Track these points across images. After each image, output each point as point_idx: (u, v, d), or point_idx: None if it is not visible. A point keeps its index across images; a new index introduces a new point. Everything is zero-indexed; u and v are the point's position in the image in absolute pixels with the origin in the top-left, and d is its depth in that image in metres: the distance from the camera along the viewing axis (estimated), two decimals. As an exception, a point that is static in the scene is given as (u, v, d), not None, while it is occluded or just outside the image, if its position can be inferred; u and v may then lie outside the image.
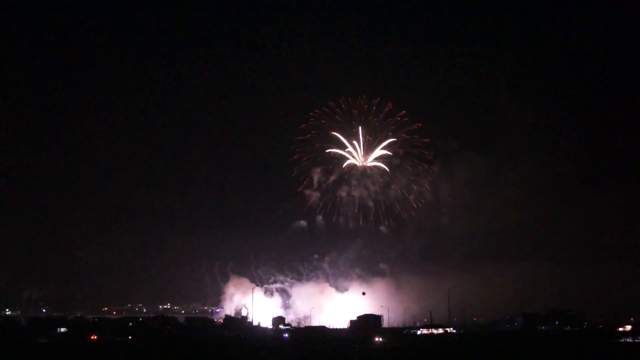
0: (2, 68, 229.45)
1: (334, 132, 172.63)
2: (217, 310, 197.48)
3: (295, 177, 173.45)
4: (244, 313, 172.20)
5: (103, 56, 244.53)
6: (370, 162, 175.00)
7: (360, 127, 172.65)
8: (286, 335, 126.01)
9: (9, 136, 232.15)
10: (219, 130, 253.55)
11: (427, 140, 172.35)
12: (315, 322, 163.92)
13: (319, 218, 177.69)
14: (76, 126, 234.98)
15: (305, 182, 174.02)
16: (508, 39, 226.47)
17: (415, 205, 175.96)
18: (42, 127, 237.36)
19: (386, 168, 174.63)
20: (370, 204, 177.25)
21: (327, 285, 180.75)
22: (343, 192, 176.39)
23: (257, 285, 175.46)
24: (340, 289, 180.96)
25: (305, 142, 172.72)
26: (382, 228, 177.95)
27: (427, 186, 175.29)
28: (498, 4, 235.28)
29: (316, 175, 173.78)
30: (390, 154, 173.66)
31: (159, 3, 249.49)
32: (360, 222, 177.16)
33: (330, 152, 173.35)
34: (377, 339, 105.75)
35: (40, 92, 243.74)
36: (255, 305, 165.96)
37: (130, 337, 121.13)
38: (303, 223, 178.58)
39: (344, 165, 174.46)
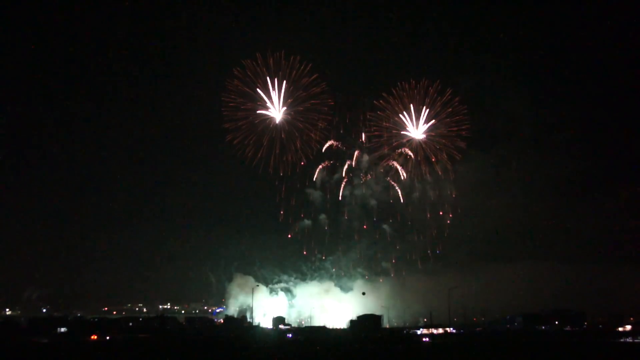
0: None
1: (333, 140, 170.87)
2: (217, 310, 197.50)
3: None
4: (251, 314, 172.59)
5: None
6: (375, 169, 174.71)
7: (363, 133, 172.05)
8: (290, 335, 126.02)
9: (7, 135, 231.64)
10: (220, 129, 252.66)
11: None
12: (317, 322, 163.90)
13: (323, 217, 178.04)
14: (75, 125, 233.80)
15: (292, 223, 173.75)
16: (512, 38, 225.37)
17: (417, 205, 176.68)
18: (40, 127, 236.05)
19: (389, 179, 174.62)
20: (373, 203, 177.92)
21: (332, 284, 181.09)
22: (346, 192, 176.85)
23: (258, 285, 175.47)
24: (344, 288, 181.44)
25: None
26: (385, 227, 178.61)
27: (429, 185, 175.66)
28: (501, 3, 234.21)
29: (319, 174, 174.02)
30: (397, 166, 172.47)
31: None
32: (363, 222, 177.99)
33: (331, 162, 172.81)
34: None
35: (36, 90, 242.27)
36: (259, 304, 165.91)
37: (130, 337, 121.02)
38: (307, 222, 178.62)
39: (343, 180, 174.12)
